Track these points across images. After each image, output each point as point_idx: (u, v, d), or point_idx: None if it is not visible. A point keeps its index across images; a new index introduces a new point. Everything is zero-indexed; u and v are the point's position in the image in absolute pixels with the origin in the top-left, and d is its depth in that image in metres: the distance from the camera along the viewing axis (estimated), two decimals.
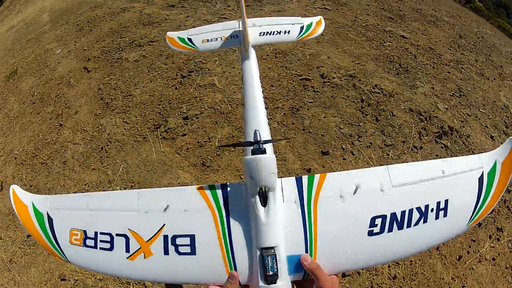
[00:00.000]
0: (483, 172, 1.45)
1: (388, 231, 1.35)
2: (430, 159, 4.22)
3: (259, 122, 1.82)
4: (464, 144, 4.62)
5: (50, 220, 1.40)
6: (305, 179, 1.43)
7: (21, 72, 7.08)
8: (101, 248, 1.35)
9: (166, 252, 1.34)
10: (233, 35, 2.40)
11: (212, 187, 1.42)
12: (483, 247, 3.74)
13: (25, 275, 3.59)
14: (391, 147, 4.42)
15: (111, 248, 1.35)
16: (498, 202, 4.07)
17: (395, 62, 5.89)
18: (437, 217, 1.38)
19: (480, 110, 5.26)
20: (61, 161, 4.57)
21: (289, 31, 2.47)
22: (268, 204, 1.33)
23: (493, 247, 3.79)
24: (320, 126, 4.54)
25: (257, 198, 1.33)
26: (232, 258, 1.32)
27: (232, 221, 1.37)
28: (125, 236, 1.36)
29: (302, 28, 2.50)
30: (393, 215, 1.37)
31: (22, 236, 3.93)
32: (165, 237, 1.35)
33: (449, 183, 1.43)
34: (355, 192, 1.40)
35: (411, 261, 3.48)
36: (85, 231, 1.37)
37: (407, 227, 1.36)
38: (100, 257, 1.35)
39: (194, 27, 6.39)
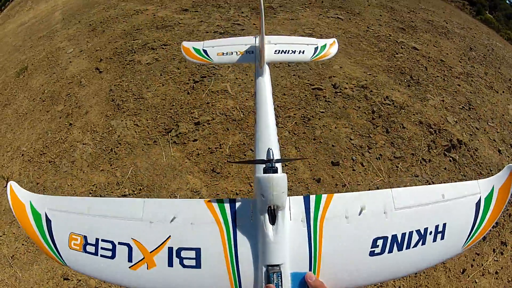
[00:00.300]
0: (480, 197, 1.50)
1: (389, 252, 1.39)
2: (438, 172, 4.23)
3: (270, 140, 1.82)
4: (472, 157, 4.61)
5: (49, 221, 1.38)
6: (312, 198, 1.45)
7: (31, 69, 7.10)
8: (102, 256, 1.34)
9: (170, 264, 1.33)
10: (249, 50, 2.41)
11: (220, 201, 1.42)
12: (487, 260, 3.74)
13: (27, 272, 3.56)
14: (400, 159, 4.42)
15: (112, 256, 1.34)
16: (503, 216, 4.07)
17: (407, 73, 5.91)
18: (434, 240, 1.43)
19: (489, 123, 5.26)
20: (70, 161, 4.55)
21: (303, 51, 2.48)
22: (276, 223, 1.34)
23: (497, 260, 3.78)
24: (331, 137, 4.53)
25: (266, 216, 1.35)
26: (237, 273, 1.32)
27: (239, 236, 1.37)
28: (127, 245, 1.35)
29: (316, 49, 2.52)
30: (394, 236, 1.41)
31: (25, 233, 3.90)
32: (170, 249, 1.34)
33: (448, 208, 1.48)
34: (360, 214, 1.43)
35: (415, 273, 3.46)
36: (85, 237, 1.36)
37: (406, 248, 1.40)
38: (101, 265, 1.34)
39: (207, 32, 6.44)
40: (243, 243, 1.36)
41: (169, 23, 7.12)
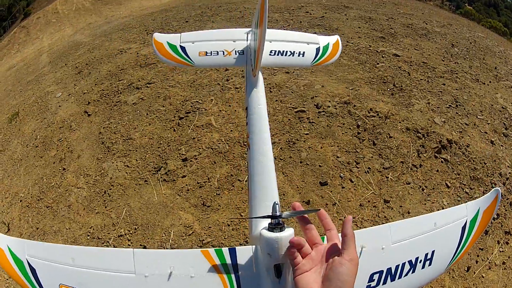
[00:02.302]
0: (466, 221, 1.55)
1: (383, 284, 1.42)
2: (430, 176, 4.32)
3: (271, 176, 1.61)
4: (464, 154, 4.70)
5: (33, 269, 1.25)
6: None
7: (23, 114, 7.26)
8: None
9: None
10: (239, 50, 1.96)
11: (219, 251, 1.34)
12: (492, 253, 3.80)
13: None
14: (390, 169, 4.50)
15: None
16: (504, 206, 4.13)
17: (389, 82, 6.02)
18: (423, 267, 1.48)
19: (478, 117, 5.35)
20: (66, 205, 4.68)
21: (303, 52, 2.04)
22: (282, 277, 1.27)
23: (502, 251, 3.85)
24: (317, 157, 4.64)
25: (273, 271, 1.26)
26: None
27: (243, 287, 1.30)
28: None
29: (318, 50, 2.10)
30: (389, 269, 1.44)
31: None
32: None
33: (437, 235, 1.52)
34: (360, 254, 1.41)
35: None
36: None
37: (398, 278, 1.44)
38: None
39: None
40: None
41: (152, 61, 7.29)
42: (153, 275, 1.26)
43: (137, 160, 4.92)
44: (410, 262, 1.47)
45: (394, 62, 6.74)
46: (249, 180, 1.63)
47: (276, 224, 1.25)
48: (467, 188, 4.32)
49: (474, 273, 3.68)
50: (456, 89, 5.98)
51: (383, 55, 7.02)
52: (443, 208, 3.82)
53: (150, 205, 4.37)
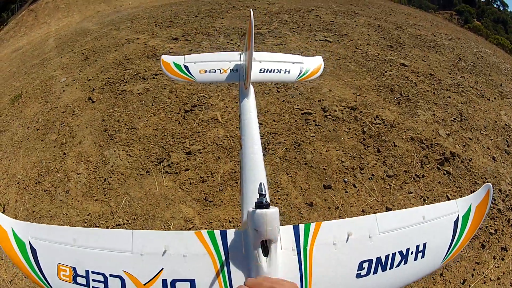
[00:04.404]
0: (458, 216, 1.61)
1: (374, 273, 1.47)
2: (432, 187, 4.29)
3: (259, 168, 1.81)
4: (466, 168, 4.67)
5: (34, 250, 1.35)
6: (301, 227, 1.51)
7: (25, 96, 7.20)
8: (94, 287, 1.32)
9: None
10: (233, 68, 2.31)
11: (211, 233, 1.44)
12: (488, 268, 3.79)
13: None
14: (393, 177, 4.47)
15: None
16: (502, 222, 4.12)
17: (396, 91, 6.01)
18: (415, 259, 1.52)
19: (482, 132, 5.33)
20: (64, 190, 4.63)
21: (289, 70, 2.40)
22: (269, 255, 1.37)
23: (498, 267, 3.83)
24: (322, 160, 4.61)
25: (260, 249, 1.37)
26: None
27: (232, 267, 1.39)
28: (120, 277, 1.33)
29: (302, 68, 2.46)
30: (378, 259, 1.49)
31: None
32: (164, 281, 1.34)
33: (428, 228, 1.57)
34: (347, 240, 1.49)
35: None
36: (74, 268, 1.33)
37: (390, 268, 1.48)
38: None
39: None
40: (237, 273, 1.38)
41: (160, 52, 7.25)
42: (149, 254, 1.37)
43: (139, 150, 4.87)
44: (401, 253, 1.51)
45: (402, 72, 6.74)
46: (241, 175, 1.81)
47: (262, 203, 1.37)
48: None
49: (469, 286, 3.68)
50: (461, 103, 5.96)
51: (391, 64, 7.01)
52: None
53: (150, 196, 4.31)
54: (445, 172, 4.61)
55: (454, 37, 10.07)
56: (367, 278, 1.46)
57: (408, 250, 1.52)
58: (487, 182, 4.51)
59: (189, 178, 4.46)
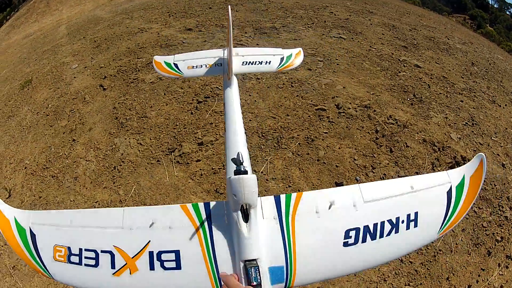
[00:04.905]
0: (451, 186, 1.62)
1: (362, 242, 1.48)
2: None
3: (239, 145, 1.92)
4: None
5: (33, 235, 1.41)
6: (283, 197, 1.54)
7: (36, 82, 7.17)
8: (86, 265, 1.37)
9: (152, 267, 1.38)
10: (217, 63, 2.54)
11: (195, 206, 1.49)
12: (492, 275, 3.72)
13: (27, 283, 3.56)
14: None
15: (96, 265, 1.37)
16: (508, 230, 4.03)
17: (409, 92, 5.93)
18: (408, 228, 1.52)
19: (492, 138, 5.25)
20: (72, 176, 4.58)
21: (270, 61, 2.61)
22: (249, 220, 1.42)
23: (502, 275, 3.76)
24: (335, 157, 4.54)
25: (240, 214, 1.42)
26: (216, 271, 1.39)
27: (215, 236, 1.44)
28: (110, 252, 1.39)
29: (282, 59, 2.65)
30: (366, 227, 1.50)
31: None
32: (151, 253, 1.39)
33: (417, 197, 1.58)
34: (329, 208, 1.52)
35: (390, 261, 3.47)
36: (69, 248, 1.39)
37: (380, 237, 1.49)
38: (85, 274, 1.37)
39: None
40: (220, 242, 1.43)
41: (173, 42, 7.20)
42: (138, 228, 1.44)
43: (151, 139, 4.81)
44: (390, 221, 1.53)
45: (415, 73, 6.66)
46: (225, 153, 1.97)
47: (240, 170, 1.49)
48: (476, 207, 4.21)
49: None
50: (473, 108, 5.88)
51: (405, 65, 6.93)
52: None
53: (160, 186, 4.25)
54: None
55: (467, 41, 9.96)
56: (355, 247, 1.47)
57: (398, 219, 1.53)
58: (496, 188, 4.43)
59: (200, 169, 4.38)
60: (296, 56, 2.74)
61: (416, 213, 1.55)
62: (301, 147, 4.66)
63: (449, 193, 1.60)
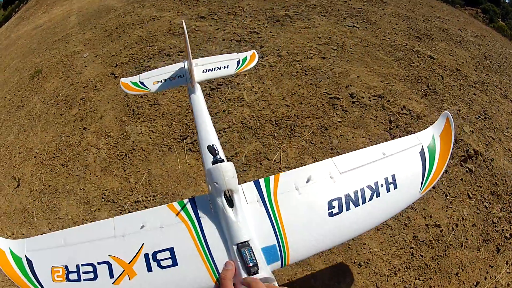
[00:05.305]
0: (422, 147, 1.77)
1: (347, 210, 1.57)
2: (455, 183, 4.17)
3: (211, 139, 2.12)
4: (487, 168, 4.48)
5: (30, 262, 1.42)
6: (262, 181, 1.66)
7: (46, 72, 7.13)
8: (85, 280, 1.39)
9: (149, 269, 1.41)
10: (179, 75, 2.74)
11: (181, 203, 1.58)
12: (500, 273, 3.63)
13: None
14: None
15: (95, 278, 1.39)
16: None
17: (423, 83, 5.83)
18: (388, 190, 1.63)
19: (504, 133, 5.12)
20: (83, 165, 4.53)
21: (228, 66, 2.85)
22: (234, 205, 1.51)
23: (509, 272, 3.66)
24: (348, 147, 4.44)
25: (224, 200, 1.51)
26: (212, 261, 1.43)
27: (205, 228, 1.51)
28: (107, 263, 1.41)
29: (239, 62, 2.89)
30: (347, 195, 1.60)
31: (35, 235, 3.84)
32: (146, 255, 1.44)
33: (391, 161, 1.71)
34: (307, 182, 1.63)
35: (430, 287, 3.36)
36: (66, 267, 1.40)
37: (363, 203, 1.59)
38: None
39: (224, 39, 6.43)
40: (210, 232, 1.49)
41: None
42: (130, 233, 1.49)
43: (162, 127, 4.73)
44: (369, 187, 1.63)
45: (429, 64, 6.53)
46: (200, 150, 2.10)
47: (217, 159, 1.62)
48: (487, 202, 4.08)
49: None
50: (486, 101, 5.73)
51: (419, 55, 6.80)
52: (463, 219, 3.80)
53: (172, 174, 4.17)
54: (467, 169, 4.40)
55: (480, 35, 9.77)
56: (341, 215, 1.56)
57: (376, 183, 1.64)
58: (507, 184, 4.31)
59: None
60: (251, 58, 2.97)
61: (393, 176, 1.66)
62: (314, 136, 4.55)
63: (422, 153, 1.74)
